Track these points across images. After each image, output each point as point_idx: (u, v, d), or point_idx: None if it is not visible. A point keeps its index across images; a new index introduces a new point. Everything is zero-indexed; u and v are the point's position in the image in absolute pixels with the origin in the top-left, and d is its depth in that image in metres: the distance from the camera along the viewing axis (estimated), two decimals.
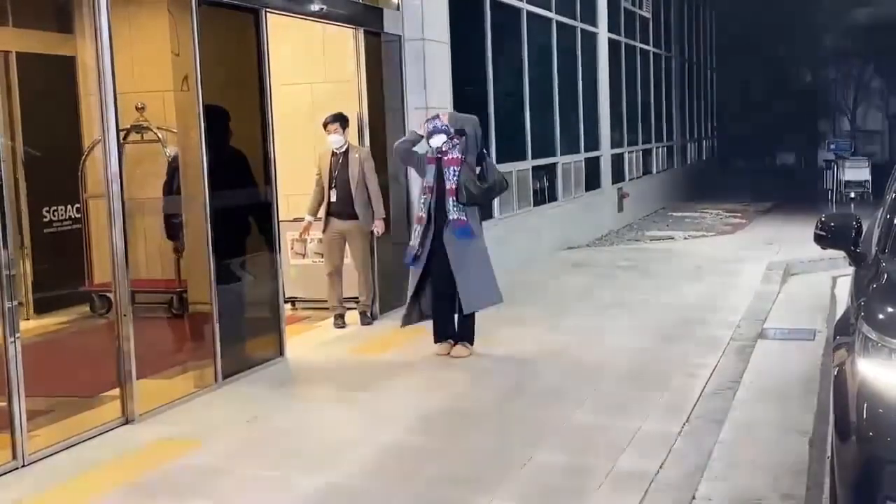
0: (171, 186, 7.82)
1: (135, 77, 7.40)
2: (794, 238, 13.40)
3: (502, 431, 5.55)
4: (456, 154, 7.14)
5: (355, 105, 8.67)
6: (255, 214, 7.20)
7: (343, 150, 8.26)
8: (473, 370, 6.92)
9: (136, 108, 8.18)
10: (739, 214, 18.23)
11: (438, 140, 7.14)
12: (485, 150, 7.39)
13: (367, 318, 8.56)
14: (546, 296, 10.04)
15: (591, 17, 15.43)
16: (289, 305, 8.79)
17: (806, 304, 9.50)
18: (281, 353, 7.30)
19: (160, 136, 8.22)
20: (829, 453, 4.70)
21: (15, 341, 5.02)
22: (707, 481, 4.70)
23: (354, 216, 8.30)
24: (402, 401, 6.20)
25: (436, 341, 7.40)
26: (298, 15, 7.86)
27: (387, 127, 9.04)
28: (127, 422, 5.75)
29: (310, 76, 9.23)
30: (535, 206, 12.78)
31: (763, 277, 10.77)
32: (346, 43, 8.70)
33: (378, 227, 8.41)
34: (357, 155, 8.32)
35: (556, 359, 7.25)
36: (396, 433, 5.52)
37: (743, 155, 33.08)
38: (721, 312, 8.90)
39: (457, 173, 7.09)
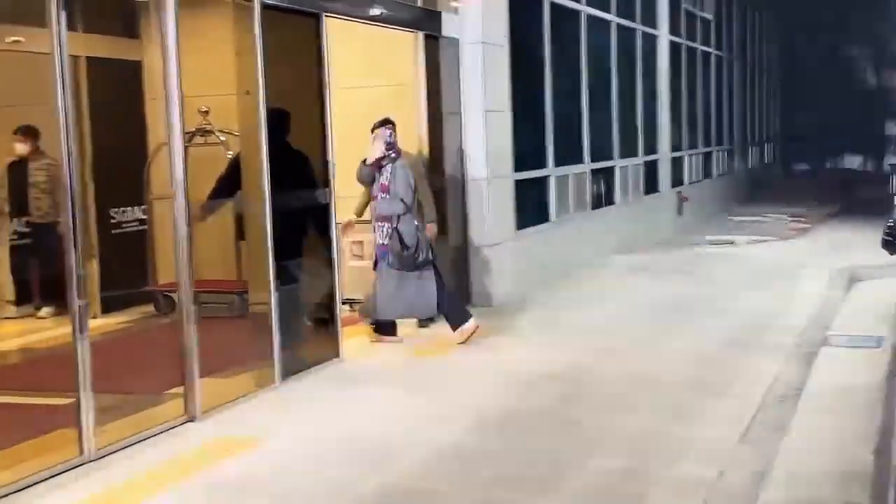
0: (228, 187, 7.88)
1: (199, 81, 7.52)
2: (860, 243, 13.15)
3: (559, 435, 5.55)
4: (384, 181, 7.63)
5: (413, 108, 8.71)
6: (314, 216, 7.28)
7: None
8: (530, 374, 6.92)
9: (200, 112, 8.32)
10: (803, 219, 17.93)
11: (377, 147, 7.57)
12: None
13: (424, 322, 8.58)
14: (604, 301, 9.98)
15: (651, 20, 15.31)
16: (346, 307, 8.86)
17: (872, 310, 9.32)
18: (338, 354, 7.37)
19: (223, 139, 8.35)
20: (894, 462, 4.62)
21: (83, 339, 5.14)
22: (768, 489, 4.64)
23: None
24: (458, 402, 6.21)
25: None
26: (359, 19, 7.93)
27: (444, 130, 9.07)
28: (189, 420, 5.85)
29: (368, 80, 9.29)
30: (592, 209, 12.72)
31: (827, 283, 10.58)
32: (404, 46, 8.76)
33: (429, 232, 8.43)
34: (404, 160, 8.34)
35: (613, 364, 7.21)
36: (453, 435, 5.54)
37: (807, 158, 32.55)
38: (784, 318, 8.77)
39: (385, 199, 7.63)
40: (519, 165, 10.22)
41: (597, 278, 11.33)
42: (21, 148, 8.60)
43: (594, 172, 12.83)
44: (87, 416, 5.15)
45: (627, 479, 4.80)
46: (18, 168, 8.68)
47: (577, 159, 12.27)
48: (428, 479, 4.87)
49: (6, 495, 4.62)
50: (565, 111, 11.90)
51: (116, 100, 9.03)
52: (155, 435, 5.58)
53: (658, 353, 7.57)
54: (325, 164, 7.27)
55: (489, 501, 4.56)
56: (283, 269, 6.77)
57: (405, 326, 8.44)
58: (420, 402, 6.26)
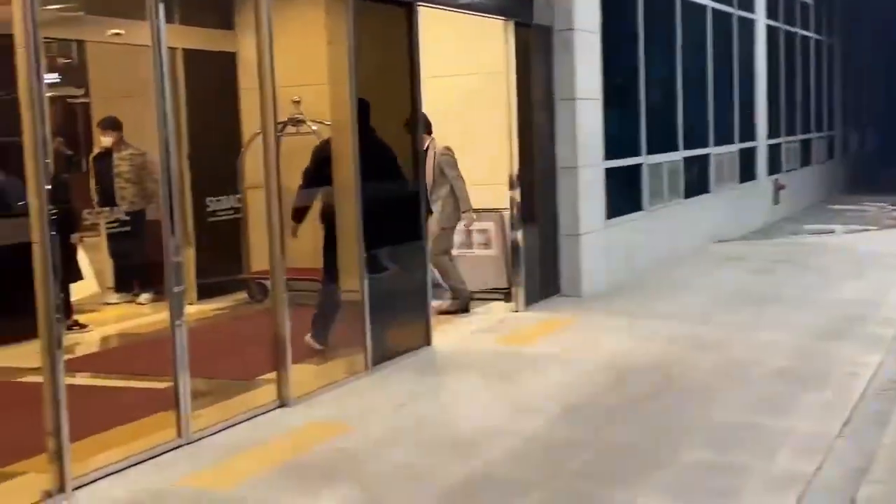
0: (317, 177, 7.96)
1: (291, 71, 7.63)
2: None
3: (648, 427, 5.48)
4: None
5: (504, 97, 8.68)
6: (404, 205, 7.32)
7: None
8: (620, 364, 6.85)
9: (293, 102, 8.44)
10: None
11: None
12: None
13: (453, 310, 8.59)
14: (696, 290, 9.82)
15: (748, 4, 14.96)
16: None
17: None
18: (428, 342, 7.41)
19: (314, 128, 8.45)
20: None
21: (181, 324, 5.28)
22: (868, 484, 4.52)
23: (429, 211, 8.35)
24: (547, 392, 6.19)
25: None
26: (451, 8, 7.94)
27: (535, 118, 9.02)
28: (282, 405, 5.96)
29: (458, 68, 9.30)
30: (685, 198, 12.51)
31: None
32: (495, 35, 8.73)
33: (466, 222, 8.49)
34: (433, 151, 8.36)
35: (706, 354, 7.09)
36: (540, 424, 5.53)
37: None
38: (884, 309, 8.51)
39: None
40: (610, 153, 10.11)
41: (689, 267, 11.15)
42: (105, 140, 8.88)
43: (688, 160, 12.62)
44: (185, 400, 5.29)
45: (719, 473, 4.72)
46: (104, 159, 8.96)
47: (671, 147, 12.08)
48: (515, 468, 4.87)
49: (111, 474, 4.77)
50: (659, 98, 11.72)
51: (211, 91, 9.22)
52: (249, 419, 5.70)
53: (751, 343, 7.41)
54: (416, 153, 7.30)
55: (577, 493, 4.54)
56: (374, 258, 6.84)
57: (497, 313, 8.46)
58: (508, 392, 6.25)
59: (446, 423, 5.60)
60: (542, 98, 9.19)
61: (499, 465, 4.90)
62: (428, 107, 7.41)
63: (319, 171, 6.91)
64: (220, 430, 5.47)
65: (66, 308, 7.38)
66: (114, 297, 9.20)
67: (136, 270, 9.08)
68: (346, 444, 5.25)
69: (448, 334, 7.84)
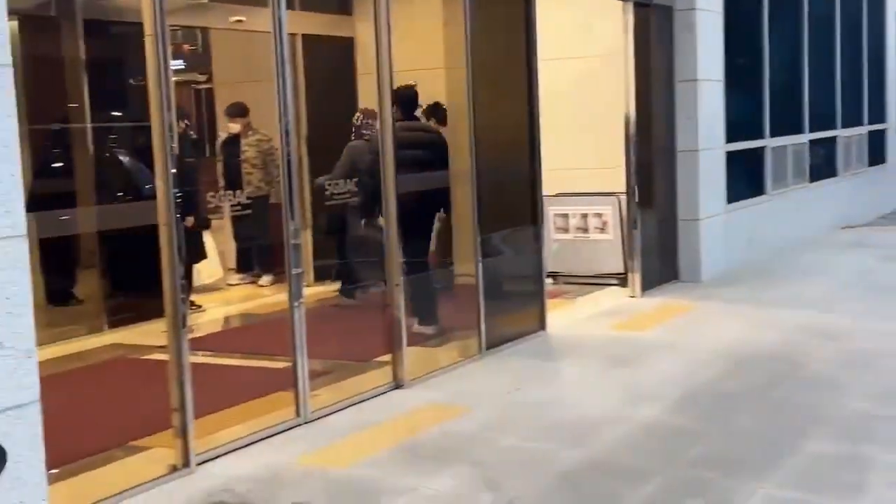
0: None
1: (407, 55, 7.67)
2: None
3: (769, 416, 5.34)
4: None
5: (621, 79, 8.55)
6: (520, 189, 7.29)
7: None
8: (739, 352, 6.69)
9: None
10: None
11: None
12: None
13: None
14: (820, 277, 9.50)
15: None
16: (550, 280, 8.85)
17: None
18: (542, 326, 7.38)
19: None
20: None
21: (299, 305, 5.38)
22: None
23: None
24: (662, 379, 6.09)
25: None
26: None
27: (653, 100, 8.86)
28: (397, 386, 6.02)
29: (574, 51, 9.19)
30: (811, 181, 12.11)
31: None
32: (613, 15, 8.59)
33: None
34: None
35: (829, 342, 6.86)
36: (657, 412, 5.44)
37: None
38: None
39: None
40: (732, 136, 9.86)
41: (814, 254, 10.79)
42: (234, 126, 9.09)
43: (814, 143, 12.21)
44: (303, 380, 5.39)
45: (843, 465, 4.56)
46: (232, 145, 9.18)
47: (796, 129, 11.70)
48: (630, 456, 4.80)
49: (234, 450, 4.91)
50: (783, 79, 11.36)
51: (329, 76, 9.35)
52: (364, 400, 5.78)
53: (876, 332, 7.13)
54: (533, 137, 7.26)
55: (696, 482, 4.45)
56: (488, 242, 6.83)
57: (613, 298, 8.37)
58: (624, 378, 6.18)
59: (560, 409, 5.57)
60: (662, 80, 9.01)
61: (614, 451, 4.85)
62: (544, 89, 7.35)
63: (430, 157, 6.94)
64: (336, 410, 5.57)
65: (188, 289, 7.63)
66: (234, 278, 9.45)
67: (258, 253, 9.30)
68: (459, 427, 5.27)
69: (563, 319, 7.79)
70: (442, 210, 7.22)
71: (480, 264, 6.70)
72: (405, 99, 6.91)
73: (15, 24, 4.22)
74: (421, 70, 8.15)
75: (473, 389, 6.00)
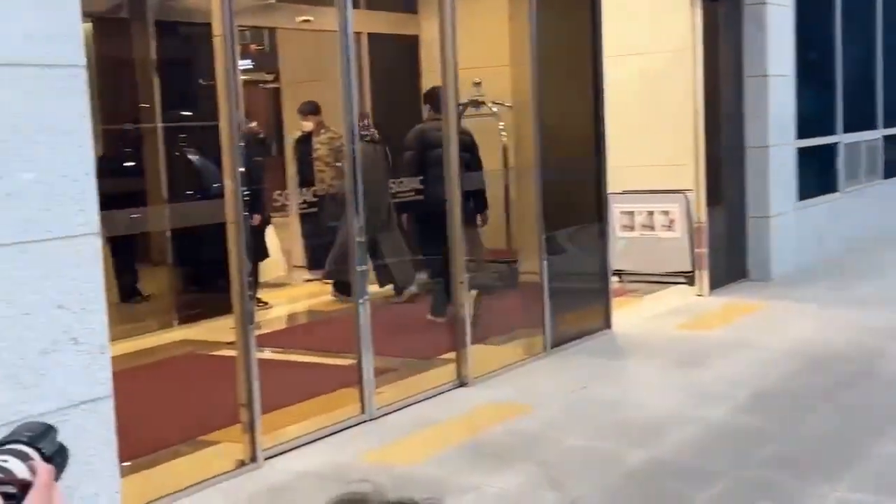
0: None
1: (472, 53, 7.66)
2: None
3: (841, 417, 5.22)
4: None
5: (689, 74, 8.44)
6: (585, 186, 7.24)
7: None
8: (810, 352, 6.56)
9: (473, 84, 8.47)
10: None
11: None
12: None
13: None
14: (894, 276, 9.27)
15: None
16: (616, 278, 8.78)
17: None
18: (608, 325, 7.32)
19: (494, 109, 8.46)
20: None
21: (364, 303, 5.41)
22: None
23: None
24: (732, 379, 5.99)
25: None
26: None
27: (722, 96, 8.73)
28: (461, 384, 6.02)
29: (641, 46, 9.09)
30: (885, 178, 11.82)
31: None
32: (680, 10, 8.48)
33: None
34: None
35: None
36: (725, 412, 5.36)
37: None
38: None
39: None
40: (803, 132, 9.67)
41: (887, 252, 10.53)
42: (306, 125, 9.16)
43: (888, 138, 11.91)
44: (368, 377, 5.42)
45: None
46: (305, 143, 9.25)
47: (870, 125, 11.43)
48: (698, 456, 4.74)
49: (300, 446, 4.95)
50: (856, 74, 11.10)
51: (394, 73, 9.39)
52: (429, 398, 5.79)
53: None
54: (599, 134, 7.21)
55: (766, 483, 4.38)
56: (552, 239, 6.80)
57: (680, 297, 8.27)
58: (691, 377, 6.10)
59: (626, 408, 5.52)
60: (730, 75, 8.87)
61: (681, 452, 4.79)
62: (610, 85, 7.29)
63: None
64: (401, 408, 5.59)
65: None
66: (307, 275, 9.53)
67: (325, 250, 9.37)
68: (524, 426, 5.25)
69: (629, 318, 7.72)
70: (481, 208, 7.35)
71: (545, 262, 6.67)
72: (436, 98, 6.91)
73: (89, 26, 4.31)
74: (486, 67, 8.15)
75: (538, 388, 5.97)
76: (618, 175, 8.62)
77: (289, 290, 9.21)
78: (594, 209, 7.30)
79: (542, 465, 4.66)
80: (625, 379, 6.25)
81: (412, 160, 7.26)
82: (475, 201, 7.22)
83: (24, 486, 1.08)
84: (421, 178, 7.06)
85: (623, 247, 9.08)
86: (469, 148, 6.97)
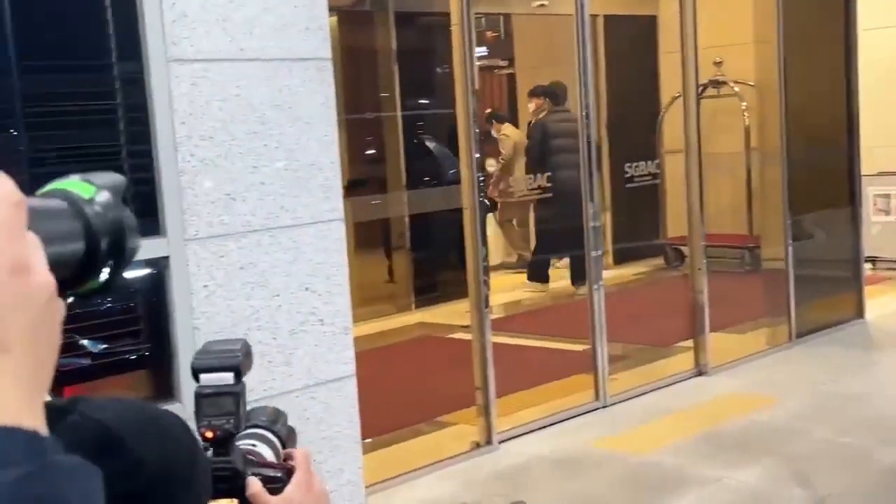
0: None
1: (713, 31, 7.40)
2: None
3: None
4: None
5: None
6: (835, 168, 6.84)
7: None
8: None
9: (714, 64, 8.18)
10: None
11: None
12: None
13: None
14: None
15: None
16: (869, 265, 8.24)
17: None
18: (860, 314, 6.88)
19: (736, 90, 8.14)
20: None
21: (599, 288, 5.36)
22: None
23: None
24: None
25: None
26: None
27: None
28: (700, 373, 5.85)
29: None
30: None
31: None
32: None
33: None
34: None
35: None
36: None
37: None
38: None
39: None
40: None
41: None
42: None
43: None
44: (602, 363, 5.37)
45: None
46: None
47: None
48: None
49: (533, 431, 4.98)
50: None
51: (630, 55, 9.22)
52: (665, 386, 5.66)
53: None
54: (851, 113, 6.78)
55: None
56: (799, 224, 6.47)
57: None
58: None
59: (879, 402, 5.17)
60: None
61: None
62: (865, 61, 6.83)
63: None
64: (636, 396, 5.49)
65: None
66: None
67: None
68: (767, 418, 5.03)
69: (884, 307, 7.22)
70: None
71: (790, 248, 6.35)
72: (555, 91, 7.35)
73: (333, 19, 4.49)
74: (727, 46, 7.86)
75: (782, 379, 5.70)
76: (872, 155, 8.07)
77: (520, 275, 9.26)
78: (846, 192, 6.88)
79: (788, 460, 4.44)
80: (878, 371, 5.86)
81: (536, 153, 7.73)
82: None
83: (289, 471, 1.11)
84: (549, 172, 7.15)
85: (877, 232, 8.51)
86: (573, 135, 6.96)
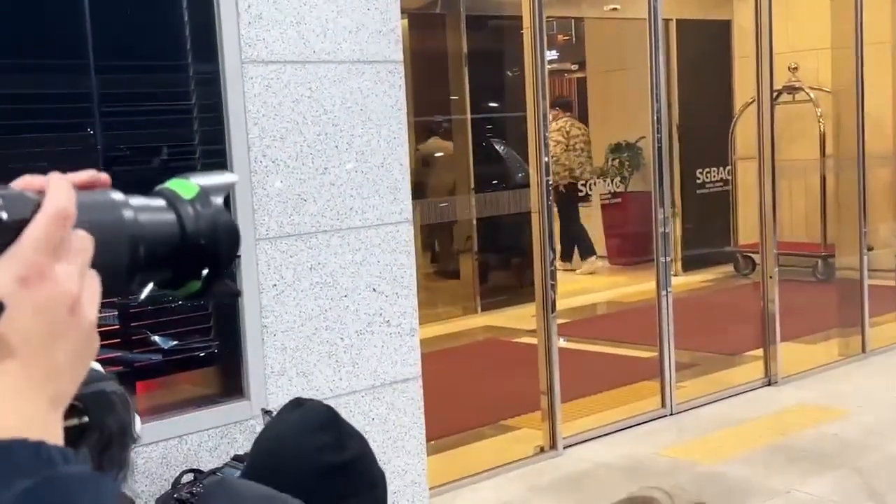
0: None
1: (789, 36, 7.28)
2: None
3: None
4: None
5: None
6: None
7: None
8: None
9: (789, 69, 8.05)
10: None
11: None
12: None
13: None
14: None
15: None
16: None
17: None
18: None
19: (812, 96, 8.00)
20: None
21: (667, 294, 5.30)
22: None
23: None
24: None
25: None
26: None
27: None
28: (769, 383, 5.75)
29: None
30: None
31: None
32: None
33: None
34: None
35: None
36: None
37: None
38: None
39: None
40: None
41: None
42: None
43: None
44: (670, 371, 5.31)
45: None
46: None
47: None
48: None
49: (599, 437, 4.94)
50: None
51: (703, 60, 9.11)
52: (733, 395, 5.57)
53: None
54: None
55: None
56: (875, 232, 6.33)
57: None
58: None
59: None
60: None
61: None
62: None
63: None
64: (703, 404, 5.41)
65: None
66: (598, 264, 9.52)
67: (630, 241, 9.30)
68: (838, 430, 4.92)
69: None
70: None
71: (865, 257, 6.21)
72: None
73: (405, 21, 4.51)
74: (803, 51, 7.73)
75: (855, 391, 5.57)
76: None
77: (591, 281, 9.21)
78: None
79: (859, 474, 4.34)
80: None
81: None
82: None
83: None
84: None
85: None
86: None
